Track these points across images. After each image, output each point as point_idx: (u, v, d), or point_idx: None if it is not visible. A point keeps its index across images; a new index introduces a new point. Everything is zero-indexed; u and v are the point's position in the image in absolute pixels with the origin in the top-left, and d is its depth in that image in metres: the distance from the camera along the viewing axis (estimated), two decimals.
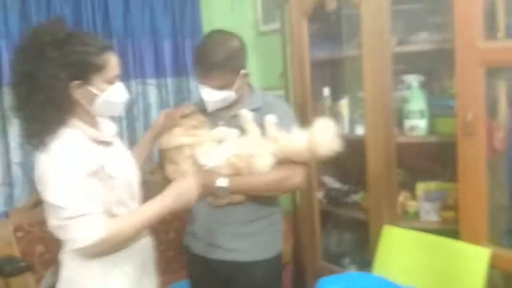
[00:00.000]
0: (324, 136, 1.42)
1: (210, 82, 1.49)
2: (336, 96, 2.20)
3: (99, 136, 1.31)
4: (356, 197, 2.14)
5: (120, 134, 2.59)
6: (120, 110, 1.36)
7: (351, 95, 2.09)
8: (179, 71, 2.80)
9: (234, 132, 1.51)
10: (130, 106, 2.64)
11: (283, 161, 1.47)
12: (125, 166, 1.37)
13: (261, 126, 1.51)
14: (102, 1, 2.53)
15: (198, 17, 2.83)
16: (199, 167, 1.46)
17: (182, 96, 2.81)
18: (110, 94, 1.28)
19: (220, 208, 1.54)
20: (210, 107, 1.55)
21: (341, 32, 2.17)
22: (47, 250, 2.31)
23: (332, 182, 2.33)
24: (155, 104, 2.75)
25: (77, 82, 1.23)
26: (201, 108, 1.60)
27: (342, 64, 2.28)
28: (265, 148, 1.46)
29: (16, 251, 2.22)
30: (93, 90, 1.26)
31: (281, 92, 2.55)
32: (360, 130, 2.03)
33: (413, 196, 2.02)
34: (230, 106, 1.57)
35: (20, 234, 2.27)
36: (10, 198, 2.36)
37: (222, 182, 1.46)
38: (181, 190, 1.32)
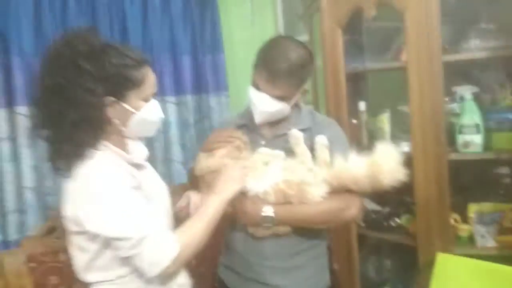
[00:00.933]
0: (388, 163, 1.24)
1: (272, 90, 1.32)
2: (372, 111, 2.04)
3: (132, 158, 1.16)
4: (399, 220, 1.96)
5: None
6: (154, 130, 1.22)
7: (392, 109, 1.92)
8: (199, 88, 2.65)
9: (280, 154, 1.35)
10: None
11: (336, 189, 1.30)
12: (160, 190, 1.22)
13: (311, 148, 1.35)
14: (120, 17, 2.41)
15: (218, 32, 2.70)
16: (242, 192, 1.29)
17: (202, 114, 2.66)
18: (147, 113, 1.14)
19: (261, 240, 1.37)
20: (260, 119, 1.38)
21: (378, 42, 2.02)
22: (62, 282, 2.13)
23: (368, 204, 2.15)
24: (174, 122, 2.59)
25: (111, 98, 1.08)
26: (240, 126, 1.45)
27: (378, 77, 2.12)
28: (317, 173, 1.29)
29: (28, 284, 2.04)
30: (129, 108, 1.11)
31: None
32: (404, 147, 1.86)
33: (464, 219, 1.83)
34: (275, 124, 1.42)
35: (33, 264, 2.09)
36: (22, 225, 2.20)
37: (268, 211, 1.28)
38: (226, 177, 1.26)
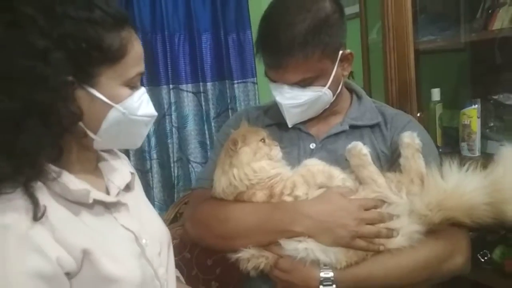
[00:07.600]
0: None
1: (287, 75, 0.90)
2: (449, 101, 1.53)
3: (97, 195, 0.70)
4: (491, 255, 1.42)
5: (145, 162, 2.04)
6: (142, 136, 0.77)
7: (483, 99, 1.39)
8: (221, 73, 2.19)
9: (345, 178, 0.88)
10: (160, 120, 2.07)
11: (433, 225, 0.83)
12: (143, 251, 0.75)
13: (378, 159, 0.89)
14: None
15: (244, 4, 2.20)
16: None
17: (225, 106, 2.20)
18: (131, 106, 0.70)
19: None
20: (292, 119, 0.97)
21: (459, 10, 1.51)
22: None
23: None
24: (192, 115, 2.17)
25: (69, 79, 0.65)
26: (271, 125, 1.03)
27: (458, 55, 1.59)
28: (399, 201, 0.81)
29: None
30: (101, 96, 0.67)
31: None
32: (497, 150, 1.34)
33: None
34: (325, 117, 1.00)
35: None
36: None
37: (327, 275, 0.82)
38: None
